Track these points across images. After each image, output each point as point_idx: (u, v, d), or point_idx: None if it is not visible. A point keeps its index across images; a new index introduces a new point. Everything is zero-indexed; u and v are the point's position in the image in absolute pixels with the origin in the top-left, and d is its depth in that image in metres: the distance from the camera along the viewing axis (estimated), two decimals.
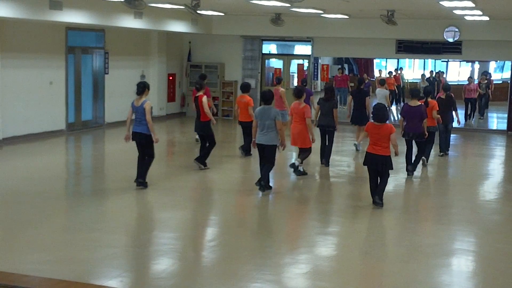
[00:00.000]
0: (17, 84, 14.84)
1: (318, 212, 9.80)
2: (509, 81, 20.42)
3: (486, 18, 16.52)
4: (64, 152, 15.30)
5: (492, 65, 31.55)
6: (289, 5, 13.71)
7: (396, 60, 30.08)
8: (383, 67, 29.72)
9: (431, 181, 12.45)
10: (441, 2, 12.62)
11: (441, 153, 14.48)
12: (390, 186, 11.13)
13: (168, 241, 8.09)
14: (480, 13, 15.08)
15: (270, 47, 22.33)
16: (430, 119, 12.55)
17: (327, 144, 12.86)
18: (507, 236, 8.68)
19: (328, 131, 12.79)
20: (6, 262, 6.93)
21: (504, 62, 29.23)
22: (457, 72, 33.41)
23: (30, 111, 15.29)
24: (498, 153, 16.57)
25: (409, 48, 19.55)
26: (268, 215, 9.71)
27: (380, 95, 16.08)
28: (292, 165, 11.92)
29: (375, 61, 31.69)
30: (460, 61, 30.76)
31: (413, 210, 10.28)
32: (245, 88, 13.53)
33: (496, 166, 14.58)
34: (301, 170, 11.79)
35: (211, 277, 6.83)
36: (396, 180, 11.59)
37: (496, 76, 30.60)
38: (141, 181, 10.43)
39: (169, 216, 9.24)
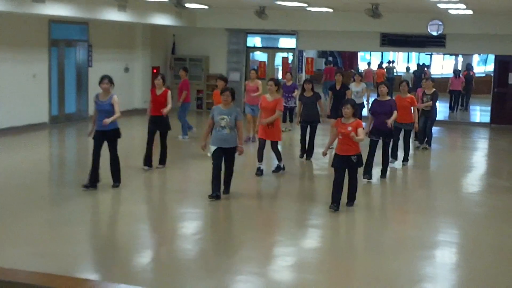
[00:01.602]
0: None
1: (302, 205, 9.80)
2: (492, 74, 20.58)
3: (470, 12, 16.59)
4: (48, 145, 15.19)
5: (476, 58, 31.78)
6: None
7: (380, 53, 30.22)
8: (368, 60, 29.81)
9: (414, 174, 12.51)
10: None
11: (421, 146, 14.37)
12: (374, 179, 11.17)
13: (152, 235, 8.08)
14: (464, 6, 15.14)
15: (254, 40, 22.29)
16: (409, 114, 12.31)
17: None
18: (490, 228, 8.76)
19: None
20: None
21: (487, 56, 29.47)
22: (441, 65, 33.65)
23: (13, 104, 15.14)
24: (481, 145, 16.69)
25: (393, 41, 19.60)
26: (253, 208, 9.70)
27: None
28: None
29: (360, 54, 31.82)
30: (443, 54, 30.96)
31: (397, 202, 10.34)
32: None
33: (479, 159, 14.69)
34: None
35: (196, 270, 6.83)
36: (380, 172, 11.61)
37: (479, 69, 30.85)
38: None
39: (154, 210, 9.22)
